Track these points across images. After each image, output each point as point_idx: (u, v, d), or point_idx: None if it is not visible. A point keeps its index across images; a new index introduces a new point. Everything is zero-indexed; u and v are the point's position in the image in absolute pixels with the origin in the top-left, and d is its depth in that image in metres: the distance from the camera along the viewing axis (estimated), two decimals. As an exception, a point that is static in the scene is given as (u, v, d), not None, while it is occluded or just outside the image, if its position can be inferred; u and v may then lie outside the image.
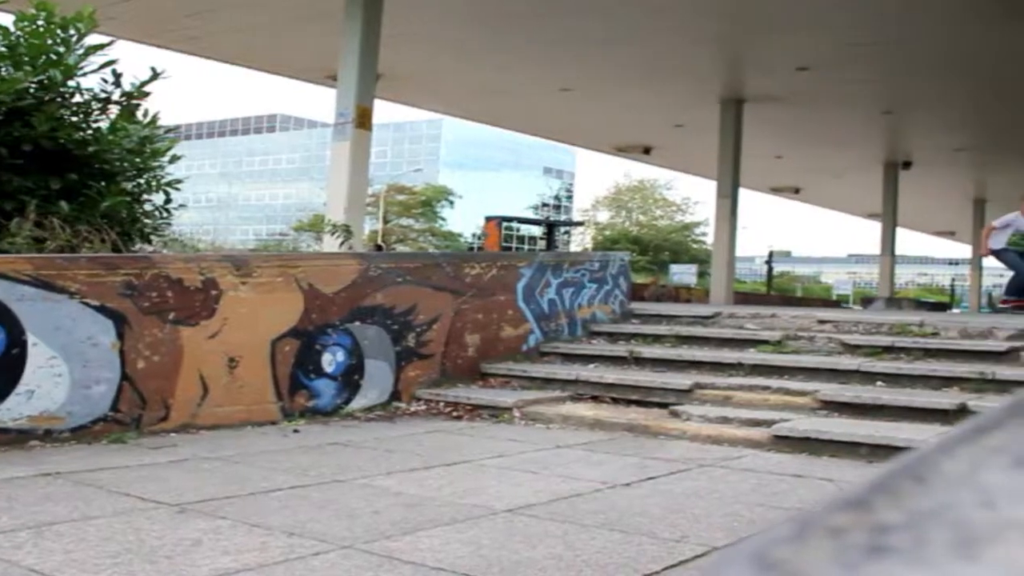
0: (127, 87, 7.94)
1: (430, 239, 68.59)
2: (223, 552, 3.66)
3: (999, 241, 13.27)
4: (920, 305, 33.18)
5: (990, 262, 14.43)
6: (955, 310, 41.10)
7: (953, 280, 63.99)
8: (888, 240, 27.09)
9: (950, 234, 43.83)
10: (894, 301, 26.54)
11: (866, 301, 30.95)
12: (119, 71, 7.83)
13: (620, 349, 9.45)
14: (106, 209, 7.38)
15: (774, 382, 8.00)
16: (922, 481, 0.56)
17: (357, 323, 7.92)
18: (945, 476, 0.57)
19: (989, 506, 0.52)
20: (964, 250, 41.81)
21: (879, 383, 7.85)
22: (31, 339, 5.92)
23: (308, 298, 7.58)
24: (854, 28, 14.24)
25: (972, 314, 24.22)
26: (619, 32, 15.17)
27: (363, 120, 12.63)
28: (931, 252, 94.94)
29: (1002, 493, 0.54)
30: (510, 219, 31.23)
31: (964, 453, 0.62)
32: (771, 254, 49.98)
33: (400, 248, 56.07)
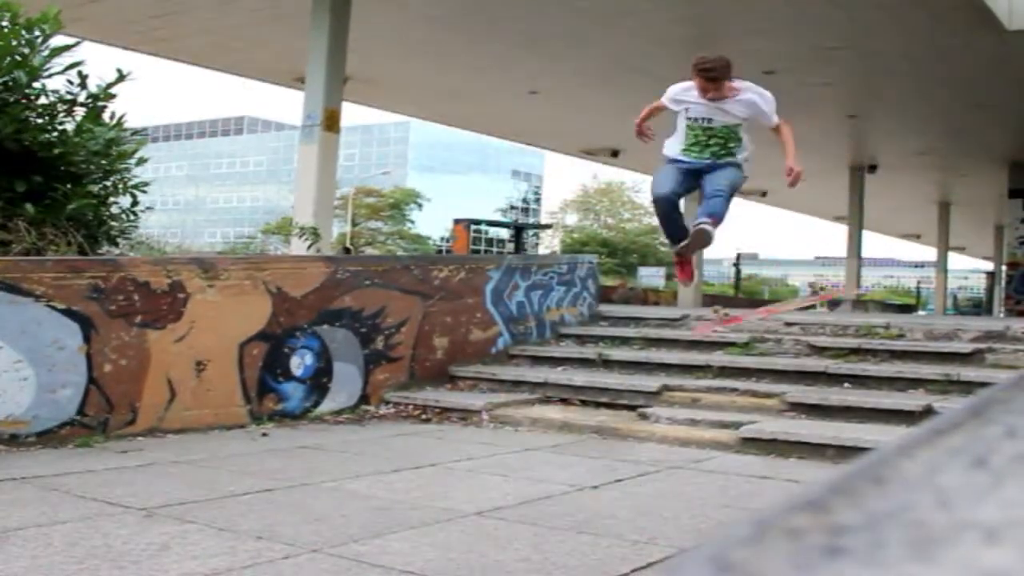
0: (93, 89, 7.87)
1: (399, 242, 68.41)
2: (191, 556, 3.64)
3: (673, 146, 8.39)
4: (886, 307, 33.38)
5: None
6: (921, 312, 41.39)
7: (919, 282, 64.32)
8: (854, 243, 27.22)
9: (916, 237, 44.12)
10: (860, 303, 26.67)
11: (832, 304, 31.09)
12: (85, 73, 7.76)
13: (589, 351, 9.46)
14: (72, 212, 7.31)
15: (742, 384, 8.02)
16: (880, 482, 0.56)
17: (325, 326, 7.90)
18: (903, 477, 0.58)
19: (946, 507, 0.53)
20: (930, 253, 42.05)
21: (846, 385, 7.88)
22: (-4, 343, 5.87)
23: (276, 301, 7.55)
24: (820, 32, 14.32)
25: (937, 316, 24.41)
26: (586, 35, 15.19)
27: (331, 123, 12.61)
28: (897, 255, 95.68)
29: (960, 494, 0.54)
30: (479, 222, 31.30)
31: (923, 454, 0.63)
32: (739, 256, 49.99)
33: (368, 251, 55.85)
